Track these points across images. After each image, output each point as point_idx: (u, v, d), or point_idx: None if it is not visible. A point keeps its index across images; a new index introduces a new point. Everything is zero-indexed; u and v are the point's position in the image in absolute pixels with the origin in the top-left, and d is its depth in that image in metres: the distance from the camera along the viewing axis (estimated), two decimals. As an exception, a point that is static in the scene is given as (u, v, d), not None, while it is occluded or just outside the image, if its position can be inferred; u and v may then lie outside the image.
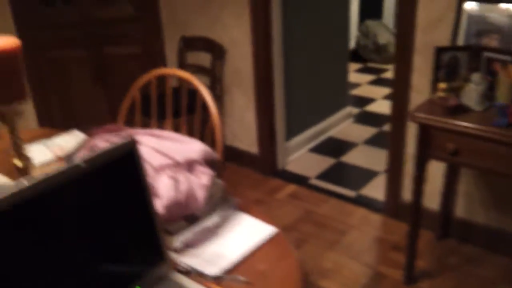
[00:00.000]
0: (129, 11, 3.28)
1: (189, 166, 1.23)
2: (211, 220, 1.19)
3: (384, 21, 6.05)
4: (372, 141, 3.62)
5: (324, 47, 3.50)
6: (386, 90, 4.72)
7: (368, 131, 3.80)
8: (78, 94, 3.39)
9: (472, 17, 2.04)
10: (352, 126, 3.92)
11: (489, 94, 1.86)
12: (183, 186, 1.15)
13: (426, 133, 1.88)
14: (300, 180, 3.12)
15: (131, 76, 3.39)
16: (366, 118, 4.06)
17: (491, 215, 2.35)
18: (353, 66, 5.31)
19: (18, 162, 1.10)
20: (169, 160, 1.21)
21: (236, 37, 3.01)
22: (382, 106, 4.32)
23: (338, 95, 3.84)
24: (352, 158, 3.38)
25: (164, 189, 1.12)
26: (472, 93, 1.86)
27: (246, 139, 3.21)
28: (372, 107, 4.31)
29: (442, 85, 1.93)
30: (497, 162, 1.74)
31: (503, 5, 1.96)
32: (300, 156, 3.42)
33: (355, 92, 4.65)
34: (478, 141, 1.75)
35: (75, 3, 3.22)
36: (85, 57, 3.31)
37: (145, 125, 2.28)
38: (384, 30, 5.61)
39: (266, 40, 2.86)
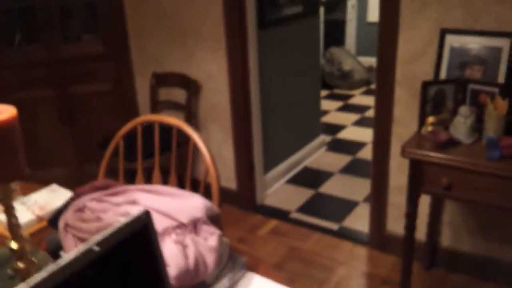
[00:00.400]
0: (98, 49, 3.16)
1: (194, 226, 1.13)
2: (222, 285, 1.09)
3: (347, 48, 6.18)
4: (348, 170, 3.61)
5: (297, 78, 3.49)
6: (354, 116, 4.77)
7: (342, 159, 3.79)
8: (45, 135, 3.21)
9: (454, 49, 2.06)
10: (326, 154, 3.91)
11: (477, 126, 1.87)
12: (191, 252, 1.05)
13: (418, 168, 1.86)
14: (281, 214, 3.04)
15: (100, 115, 3.29)
16: (339, 146, 4.06)
17: (478, 242, 2.34)
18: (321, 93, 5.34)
19: (14, 245, 0.98)
20: (173, 221, 1.11)
21: (212, 72, 2.95)
22: (353, 133, 4.35)
23: (312, 124, 3.83)
24: (330, 188, 3.35)
25: (172, 257, 1.02)
26: (461, 126, 1.85)
27: (224, 174, 3.12)
28: (344, 134, 4.32)
29: (431, 119, 1.93)
30: (491, 195, 1.73)
31: (484, 37, 1.99)
32: (278, 189, 3.35)
33: (325, 119, 4.65)
34: (472, 175, 1.74)
35: (41, 41, 3.08)
36: (52, 96, 3.16)
37: (129, 171, 2.17)
38: (348, 57, 5.70)
39: (243, 74, 2.81)
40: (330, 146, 4.04)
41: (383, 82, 2.35)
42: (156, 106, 3.21)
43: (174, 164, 1.70)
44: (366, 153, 3.87)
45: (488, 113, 1.80)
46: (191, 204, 1.19)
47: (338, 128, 4.47)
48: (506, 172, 1.66)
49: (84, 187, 1.32)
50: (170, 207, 1.16)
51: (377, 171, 2.53)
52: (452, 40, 2.07)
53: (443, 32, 2.09)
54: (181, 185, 1.72)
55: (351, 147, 4.02)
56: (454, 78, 1.99)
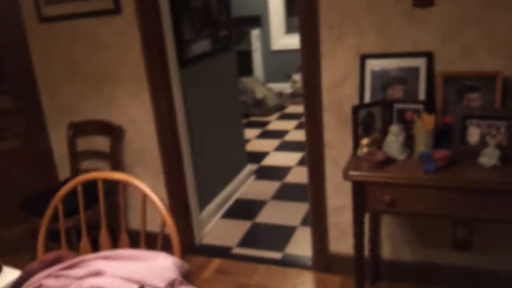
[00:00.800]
0: (5, 103, 2.92)
1: (171, 288, 1.06)
2: None
3: (256, 76, 6.33)
4: (279, 196, 3.65)
5: (220, 111, 3.50)
6: (275, 142, 4.86)
7: (271, 186, 3.82)
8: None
9: (375, 72, 2.19)
10: (255, 183, 3.92)
11: (407, 142, 1.99)
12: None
13: (361, 189, 1.92)
14: (222, 252, 2.98)
15: (13, 174, 3.02)
16: (266, 173, 4.11)
17: (416, 250, 2.46)
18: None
19: None
20: None
21: (135, 115, 2.84)
22: (277, 158, 4.42)
23: (239, 154, 3.84)
24: (266, 217, 3.35)
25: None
26: (393, 144, 1.96)
27: (158, 219, 2.99)
28: (268, 161, 4.38)
29: (365, 141, 2.01)
30: (431, 206, 1.83)
31: (401, 59, 2.13)
32: (215, 226, 3.29)
33: (248, 148, 4.67)
34: (412, 189, 1.84)
35: None
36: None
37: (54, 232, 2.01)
38: (259, 85, 5.84)
39: (169, 114, 2.75)
40: (257, 175, 4.06)
41: (310, 109, 2.42)
42: (76, 157, 3.03)
43: (123, 221, 1.60)
44: (293, 177, 3.96)
45: (417, 129, 1.92)
46: (161, 266, 1.12)
47: (262, 155, 4.52)
48: (443, 182, 1.77)
49: (33, 263, 1.19)
50: (141, 272, 1.08)
51: (314, 194, 2.58)
52: (372, 64, 2.20)
53: (363, 58, 2.21)
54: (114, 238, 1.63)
55: (278, 172, 4.08)
56: (380, 100, 2.10)
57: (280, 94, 6.34)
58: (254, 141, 4.90)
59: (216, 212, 3.37)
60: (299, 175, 3.98)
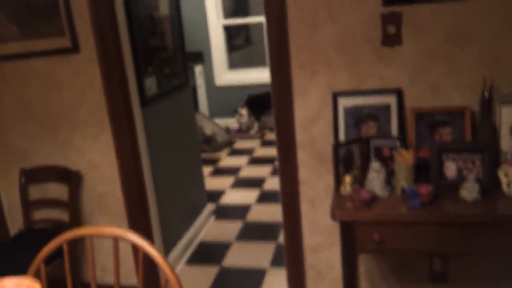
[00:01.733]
0: None
1: None
2: None
3: (202, 111, 6.28)
4: (243, 236, 3.56)
5: (179, 149, 3.40)
6: (229, 180, 4.79)
7: (233, 227, 3.72)
8: None
9: (347, 110, 2.22)
10: (217, 224, 3.81)
11: (387, 178, 2.01)
12: None
13: (349, 229, 1.90)
14: (191, 301, 2.84)
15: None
16: (225, 213, 4.01)
17: (394, 286, 2.47)
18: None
19: None
20: None
21: (94, 159, 2.69)
22: (234, 196, 4.35)
23: (199, 194, 3.74)
24: (233, 260, 3.24)
25: None
26: (375, 181, 1.97)
27: (122, 272, 2.80)
28: (226, 199, 4.30)
29: (347, 179, 2.01)
30: (419, 242, 1.85)
31: (372, 96, 2.18)
32: (180, 273, 3.13)
33: (203, 186, 4.59)
34: (400, 226, 1.85)
35: None
36: None
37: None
38: (207, 121, 5.79)
39: (134, 156, 2.62)
40: (217, 215, 3.96)
41: (284, 146, 2.40)
42: (29, 207, 2.79)
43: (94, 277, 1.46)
44: (254, 216, 3.90)
45: (397, 165, 1.95)
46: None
47: (218, 194, 4.43)
48: (429, 218, 1.79)
49: None
50: None
51: (290, 234, 2.53)
52: (344, 102, 2.23)
53: (335, 95, 2.24)
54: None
55: (238, 212, 4.00)
56: (357, 138, 2.12)
57: (227, 130, 6.32)
58: (208, 179, 4.79)
59: (180, 257, 3.22)
60: (260, 214, 3.92)
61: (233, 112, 6.58)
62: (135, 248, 2.70)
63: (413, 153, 1.95)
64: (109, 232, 1.44)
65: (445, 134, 2.10)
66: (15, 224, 2.93)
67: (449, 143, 2.04)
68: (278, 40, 2.26)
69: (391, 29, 2.12)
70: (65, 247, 1.44)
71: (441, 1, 2.02)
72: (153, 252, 1.36)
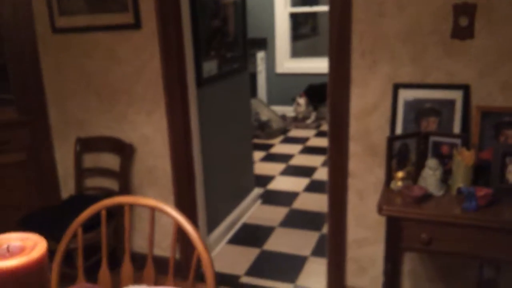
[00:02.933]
0: (10, 115, 2.80)
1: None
2: None
3: (260, 98, 6.27)
4: (287, 223, 3.53)
5: (232, 132, 3.40)
6: (280, 166, 4.77)
7: (279, 212, 3.71)
8: None
9: (408, 103, 2.11)
10: (262, 208, 3.81)
11: (444, 177, 1.90)
12: None
13: (396, 225, 1.82)
14: (230, 281, 2.84)
15: (14, 189, 2.88)
16: (273, 198, 4.00)
17: (438, 288, 2.36)
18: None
19: None
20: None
21: (147, 133, 2.73)
22: (283, 183, 4.33)
23: (247, 178, 3.74)
24: (275, 245, 3.23)
25: None
26: (430, 178, 1.87)
27: (164, 243, 2.86)
28: (274, 185, 4.28)
29: (400, 174, 1.92)
30: (469, 246, 1.74)
31: (437, 90, 2.06)
32: (221, 252, 3.15)
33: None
34: (450, 228, 1.74)
35: None
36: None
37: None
38: (264, 107, 5.77)
39: (185, 134, 2.64)
40: (264, 199, 3.95)
41: (336, 136, 2.33)
42: (81, 174, 2.89)
43: (151, 256, 1.48)
44: (301, 204, 3.86)
45: (456, 164, 1.84)
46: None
47: (268, 179, 4.42)
48: (484, 222, 1.68)
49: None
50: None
51: (334, 225, 2.48)
52: (405, 94, 2.12)
53: (396, 87, 2.13)
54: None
55: (285, 198, 3.97)
56: (415, 132, 2.02)
57: (283, 117, 6.28)
58: (258, 164, 4.79)
59: (223, 237, 3.25)
60: (307, 202, 3.88)
61: (291, 101, 6.52)
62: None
63: (474, 153, 1.83)
64: (146, 202, 1.45)
65: (512, 136, 1.95)
66: (67, 190, 3.05)
67: (515, 146, 1.89)
68: (340, 25, 2.19)
69: (463, 21, 1.99)
70: (103, 213, 1.47)
71: (522, -8, 1.87)
72: (187, 226, 1.36)
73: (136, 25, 2.59)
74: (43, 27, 2.83)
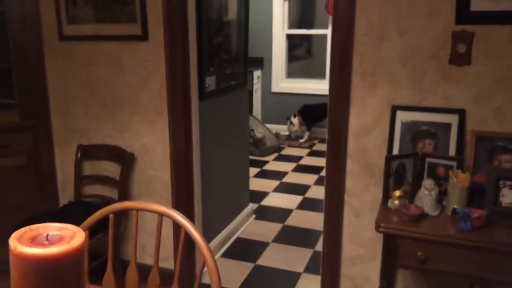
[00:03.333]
0: (13, 118, 2.83)
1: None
2: None
3: (255, 115, 6.34)
4: (281, 239, 3.56)
5: (230, 147, 3.45)
6: (273, 183, 4.82)
7: (273, 228, 3.74)
8: None
9: (405, 124, 2.18)
10: (256, 223, 3.84)
11: (439, 198, 1.96)
12: None
13: (392, 243, 1.87)
14: (223, 293, 2.86)
15: (13, 192, 2.89)
16: (266, 214, 4.03)
17: (429, 309, 2.40)
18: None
19: None
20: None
21: (148, 143, 2.77)
22: (276, 199, 4.37)
23: (243, 193, 3.78)
24: (268, 260, 3.25)
25: None
26: (426, 198, 1.93)
27: (160, 254, 2.86)
28: (268, 201, 4.32)
29: (397, 193, 1.98)
30: (464, 266, 1.79)
31: (434, 114, 2.14)
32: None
33: (246, 186, 4.63)
34: (445, 247, 1.79)
35: None
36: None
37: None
38: (258, 124, 5.84)
39: (186, 146, 2.69)
40: (258, 215, 3.98)
41: (334, 154, 2.39)
42: (81, 181, 2.92)
43: (156, 262, 1.51)
44: (294, 221, 3.90)
45: (451, 186, 1.90)
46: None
47: (261, 195, 4.46)
48: (478, 243, 1.73)
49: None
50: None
51: (329, 241, 2.52)
52: (403, 116, 2.20)
53: (394, 108, 2.21)
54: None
55: (278, 214, 4.01)
56: (413, 152, 2.08)
57: (277, 135, 6.35)
58: (252, 180, 4.83)
59: (217, 250, 3.27)
60: (300, 219, 3.92)
61: (285, 120, 6.60)
62: (176, 231, 2.76)
63: (469, 175, 1.90)
64: (155, 208, 1.49)
65: (506, 161, 2.03)
66: (65, 196, 3.07)
67: (509, 170, 1.96)
68: (342, 47, 2.26)
69: (461, 48, 2.08)
70: (111, 216, 1.50)
71: (518, 23, 1.96)
72: (195, 233, 1.40)
73: (143, 36, 2.65)
74: (50, 34, 2.88)
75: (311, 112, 6.33)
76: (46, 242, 0.69)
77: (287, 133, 6.65)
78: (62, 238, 0.69)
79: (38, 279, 0.68)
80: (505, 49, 2.01)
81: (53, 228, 0.71)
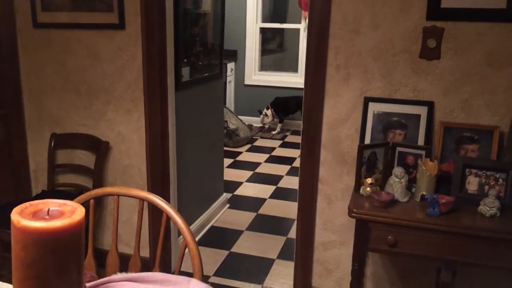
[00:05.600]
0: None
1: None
2: None
3: (229, 106, 6.37)
4: (254, 227, 3.64)
5: (206, 138, 3.49)
6: (246, 173, 4.88)
7: (246, 216, 3.81)
8: None
9: (377, 115, 2.27)
10: (230, 212, 3.90)
11: (408, 186, 2.06)
12: None
13: (364, 228, 1.95)
14: (198, 280, 2.90)
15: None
16: (240, 203, 4.10)
17: (398, 291, 2.51)
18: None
19: None
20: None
21: (124, 133, 2.78)
22: (250, 189, 4.44)
23: (217, 182, 3.82)
24: (242, 247, 3.31)
25: None
26: (396, 186, 2.02)
27: (132, 241, 2.88)
28: (242, 191, 4.38)
29: (369, 180, 2.07)
30: (431, 249, 1.89)
31: (404, 105, 2.23)
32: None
33: (220, 177, 4.67)
34: (415, 231, 1.89)
35: None
36: None
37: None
38: (232, 116, 5.87)
39: (162, 135, 2.71)
40: (232, 204, 4.04)
41: (309, 144, 2.46)
42: (54, 170, 2.90)
43: (137, 247, 1.54)
44: (267, 209, 3.98)
45: (420, 174, 2.00)
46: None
47: (235, 185, 4.51)
48: (445, 227, 1.83)
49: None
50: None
51: (302, 229, 2.59)
52: (375, 107, 2.28)
53: (367, 100, 2.29)
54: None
55: (252, 203, 4.08)
56: (384, 142, 2.17)
57: (249, 127, 6.40)
58: (226, 170, 4.83)
59: (191, 239, 3.30)
60: (273, 208, 4.00)
61: (257, 112, 6.67)
62: (153, 220, 2.79)
63: (437, 164, 2.00)
64: (137, 193, 1.51)
65: (471, 150, 2.14)
66: (38, 186, 3.04)
67: (474, 159, 2.08)
68: (317, 40, 2.33)
69: (431, 43, 2.17)
70: (91, 202, 1.52)
71: (484, 20, 2.06)
72: (177, 218, 1.44)
73: (120, 25, 2.64)
74: (24, 21, 2.84)
75: (283, 104, 6.43)
76: (47, 217, 0.72)
77: (260, 125, 6.72)
78: (63, 213, 0.73)
79: (39, 252, 0.71)
80: (472, 44, 2.11)
81: (53, 204, 0.74)
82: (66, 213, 0.72)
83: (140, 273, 1.20)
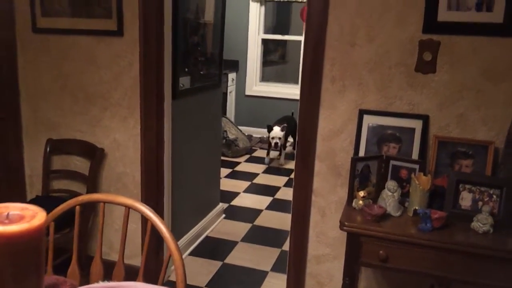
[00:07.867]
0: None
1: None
2: None
3: (229, 116, 6.37)
4: (249, 238, 3.60)
5: (202, 146, 3.47)
6: (244, 184, 4.86)
7: (242, 227, 3.78)
8: None
9: (371, 128, 2.26)
10: (226, 223, 3.87)
11: (401, 199, 2.04)
12: None
13: (356, 242, 1.93)
14: (190, 291, 2.88)
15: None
16: (236, 213, 4.07)
17: (390, 308, 2.47)
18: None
19: None
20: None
21: (120, 140, 2.77)
22: (246, 200, 4.41)
23: (213, 192, 3.80)
24: (236, 259, 3.28)
25: None
26: (389, 199, 2.00)
27: (127, 250, 2.86)
28: (238, 202, 4.35)
29: (362, 193, 2.04)
30: (424, 265, 1.86)
31: (399, 119, 2.21)
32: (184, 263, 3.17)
33: (217, 187, 4.65)
34: (407, 246, 1.86)
35: None
36: None
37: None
38: (232, 126, 5.87)
39: (158, 143, 2.70)
40: (227, 214, 4.01)
41: (303, 155, 2.45)
42: (49, 176, 2.89)
43: (122, 255, 1.52)
44: (263, 221, 3.95)
45: (413, 188, 1.97)
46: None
47: (232, 195, 4.49)
48: (438, 243, 1.81)
49: None
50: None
51: (296, 241, 2.57)
52: (369, 120, 2.27)
53: (362, 112, 2.28)
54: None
55: (248, 214, 4.05)
56: (378, 155, 2.15)
57: (249, 138, 6.39)
58: (223, 180, 4.85)
59: (186, 248, 3.28)
60: (269, 220, 3.97)
61: (257, 122, 6.66)
62: (145, 228, 2.76)
63: (430, 178, 1.98)
64: (122, 201, 1.50)
65: (466, 165, 2.12)
66: (33, 191, 3.03)
67: (468, 174, 2.05)
68: (314, 52, 2.32)
69: (427, 57, 2.16)
70: (77, 208, 1.51)
71: (481, 34, 2.05)
72: (161, 226, 1.42)
73: (118, 32, 2.65)
74: (23, 25, 2.85)
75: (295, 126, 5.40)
76: (6, 221, 0.70)
77: (259, 135, 6.70)
78: (23, 217, 0.71)
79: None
80: (468, 58, 2.10)
81: (14, 208, 0.73)
82: (26, 217, 0.71)
83: (120, 282, 1.18)
